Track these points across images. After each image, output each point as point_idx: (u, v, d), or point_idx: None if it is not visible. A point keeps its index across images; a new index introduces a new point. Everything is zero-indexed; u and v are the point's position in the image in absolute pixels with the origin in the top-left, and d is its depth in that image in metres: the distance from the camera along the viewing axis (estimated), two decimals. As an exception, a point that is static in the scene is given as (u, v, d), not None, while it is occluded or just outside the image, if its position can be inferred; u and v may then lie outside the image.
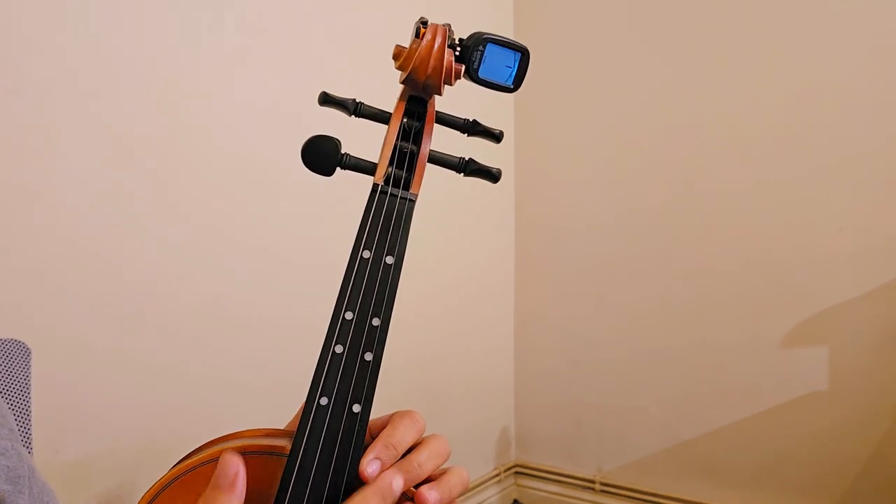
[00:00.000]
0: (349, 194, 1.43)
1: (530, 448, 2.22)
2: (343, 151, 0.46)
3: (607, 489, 2.04)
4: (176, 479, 0.41)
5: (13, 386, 0.76)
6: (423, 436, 0.46)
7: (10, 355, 0.77)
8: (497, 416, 2.18)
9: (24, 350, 0.79)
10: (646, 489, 1.98)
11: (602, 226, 2.04)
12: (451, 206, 1.92)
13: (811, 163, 1.71)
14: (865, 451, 1.68)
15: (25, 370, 0.78)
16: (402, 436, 0.43)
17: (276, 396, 1.39)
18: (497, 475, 2.14)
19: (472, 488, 2.04)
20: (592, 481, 2.06)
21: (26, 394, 0.77)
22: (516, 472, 2.23)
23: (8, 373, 0.76)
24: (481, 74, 0.47)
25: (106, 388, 1.17)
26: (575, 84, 2.08)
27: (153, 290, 1.23)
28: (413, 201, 0.46)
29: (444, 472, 0.45)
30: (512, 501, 2.22)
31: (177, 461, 0.45)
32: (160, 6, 1.23)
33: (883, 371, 1.65)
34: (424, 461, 0.43)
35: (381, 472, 0.41)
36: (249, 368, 1.39)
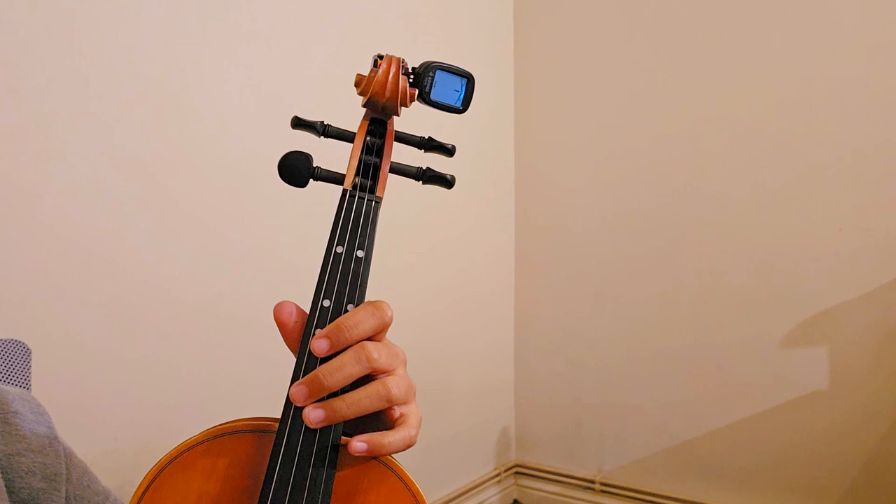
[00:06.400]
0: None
1: (530, 448, 2.22)
2: (315, 165, 0.51)
3: (607, 489, 2.04)
4: (173, 460, 0.46)
5: (13, 386, 0.76)
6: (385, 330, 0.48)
7: (10, 355, 0.77)
8: (497, 417, 2.18)
9: (24, 350, 0.79)
10: (646, 489, 1.98)
11: (602, 227, 2.04)
12: (451, 207, 1.92)
13: (811, 163, 1.72)
14: (865, 451, 1.68)
15: (25, 370, 0.78)
16: (358, 320, 0.46)
17: (277, 396, 1.39)
18: (497, 475, 2.14)
19: (472, 488, 2.04)
20: (592, 481, 2.06)
21: (26, 394, 0.77)
22: (516, 473, 2.23)
23: (8, 373, 0.76)
24: (433, 97, 0.52)
25: (106, 388, 1.17)
26: (574, 86, 2.08)
27: (153, 290, 1.24)
28: (378, 202, 0.51)
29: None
30: (512, 501, 2.22)
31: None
32: (160, 7, 1.23)
33: (883, 371, 1.65)
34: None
35: (329, 350, 0.45)
36: (249, 368, 1.39)
